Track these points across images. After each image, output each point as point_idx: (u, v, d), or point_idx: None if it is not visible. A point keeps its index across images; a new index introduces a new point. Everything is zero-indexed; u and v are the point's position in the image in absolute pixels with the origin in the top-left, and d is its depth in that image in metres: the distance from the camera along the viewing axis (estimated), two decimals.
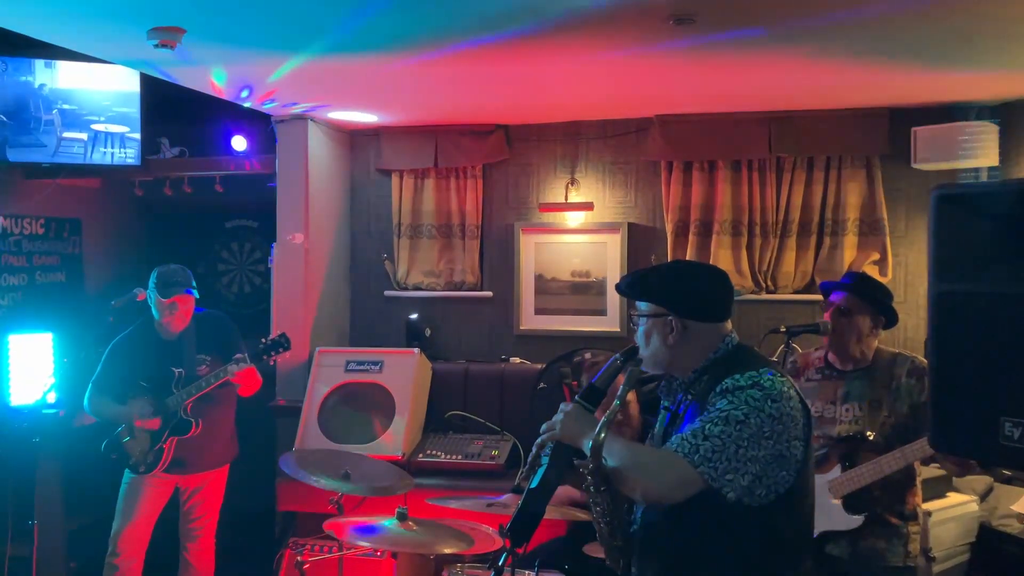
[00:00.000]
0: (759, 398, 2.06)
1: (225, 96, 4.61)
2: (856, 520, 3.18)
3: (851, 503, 3.19)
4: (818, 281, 4.99)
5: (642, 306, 2.28)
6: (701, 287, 2.29)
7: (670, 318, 2.21)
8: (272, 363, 4.30)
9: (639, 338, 2.27)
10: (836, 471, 3.22)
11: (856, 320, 3.26)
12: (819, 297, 4.94)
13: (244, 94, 4.56)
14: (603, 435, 2.03)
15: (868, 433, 3.20)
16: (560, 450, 2.16)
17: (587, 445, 2.05)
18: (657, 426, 2.37)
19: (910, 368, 3.22)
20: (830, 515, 3.16)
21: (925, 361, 3.16)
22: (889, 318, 3.30)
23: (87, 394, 4.33)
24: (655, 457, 2.12)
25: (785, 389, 2.11)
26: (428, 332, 5.49)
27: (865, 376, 3.27)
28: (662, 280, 2.30)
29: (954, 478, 4.16)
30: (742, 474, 2.02)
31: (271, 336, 4.21)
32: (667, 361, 2.24)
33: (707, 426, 2.05)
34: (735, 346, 2.24)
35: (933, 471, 3.97)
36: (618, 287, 2.38)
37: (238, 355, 4.12)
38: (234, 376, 4.11)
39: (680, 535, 2.12)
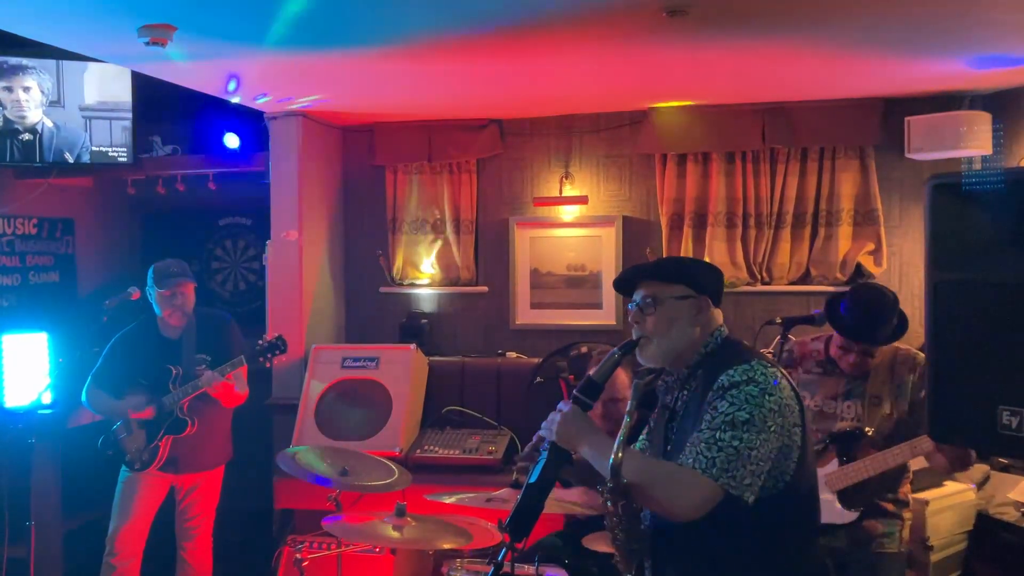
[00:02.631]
0: (757, 394, 2.07)
1: (215, 93, 4.59)
2: (851, 515, 3.19)
3: (846, 497, 3.20)
4: (813, 273, 5.02)
5: (664, 290, 2.24)
6: (710, 269, 2.37)
7: (697, 299, 2.23)
8: (268, 365, 4.28)
9: (651, 326, 2.23)
10: (833, 465, 3.23)
11: (877, 352, 3.27)
12: (814, 287, 4.98)
13: (232, 87, 4.51)
14: (620, 454, 2.01)
15: (867, 429, 3.21)
16: (558, 446, 2.15)
17: (607, 466, 2.02)
18: (654, 424, 2.38)
19: (911, 365, 3.24)
20: (825, 509, 3.17)
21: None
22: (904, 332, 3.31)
23: (85, 386, 4.34)
24: (675, 475, 2.08)
25: (778, 379, 2.13)
26: (404, 318, 5.46)
27: (867, 374, 3.28)
28: (681, 264, 2.32)
29: None
30: (757, 475, 2.04)
31: (267, 337, 4.19)
32: (680, 350, 2.23)
33: (716, 434, 2.04)
34: (724, 339, 2.25)
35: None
36: (645, 271, 2.32)
37: (209, 370, 4.09)
38: (213, 390, 4.10)
39: (692, 532, 2.11)
